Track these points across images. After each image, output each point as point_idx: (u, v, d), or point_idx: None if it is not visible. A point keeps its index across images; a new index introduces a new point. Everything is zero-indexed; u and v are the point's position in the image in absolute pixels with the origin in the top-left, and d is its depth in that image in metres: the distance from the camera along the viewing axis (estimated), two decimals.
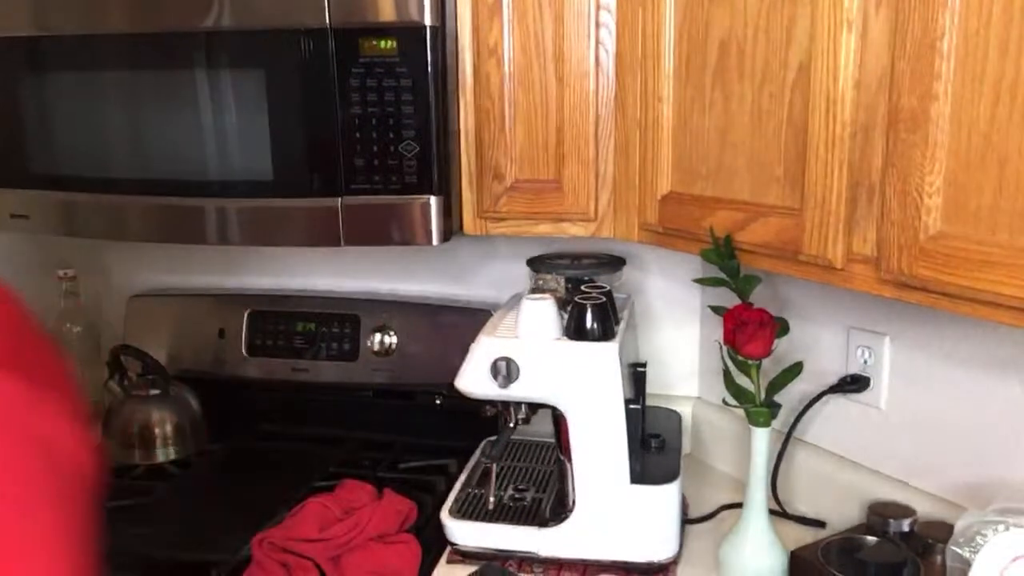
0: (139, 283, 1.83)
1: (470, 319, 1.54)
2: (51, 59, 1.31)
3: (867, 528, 1.18)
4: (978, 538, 0.94)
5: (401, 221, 1.24)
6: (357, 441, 1.61)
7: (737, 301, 1.11)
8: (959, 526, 0.97)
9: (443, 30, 1.20)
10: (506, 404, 1.23)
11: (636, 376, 1.29)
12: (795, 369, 1.13)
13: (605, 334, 1.18)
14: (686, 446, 1.56)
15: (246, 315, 1.68)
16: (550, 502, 1.30)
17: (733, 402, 1.14)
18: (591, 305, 1.18)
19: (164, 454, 1.54)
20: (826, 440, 1.36)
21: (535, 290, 1.32)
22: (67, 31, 1.28)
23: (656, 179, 1.18)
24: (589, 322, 1.17)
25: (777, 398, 1.13)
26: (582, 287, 1.26)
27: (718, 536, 1.24)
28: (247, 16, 1.21)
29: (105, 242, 1.79)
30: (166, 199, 1.31)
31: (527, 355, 1.16)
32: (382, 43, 1.18)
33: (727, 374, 1.13)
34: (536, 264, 1.33)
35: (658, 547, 1.19)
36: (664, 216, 1.18)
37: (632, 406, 1.20)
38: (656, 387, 1.58)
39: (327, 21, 1.19)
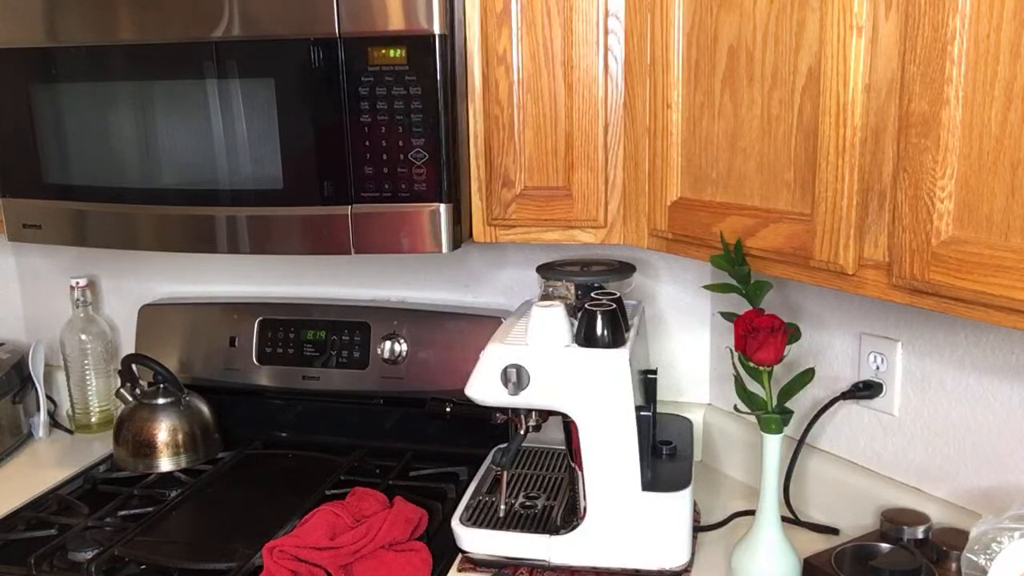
0: (150, 292, 1.84)
1: (480, 326, 1.54)
2: (63, 70, 1.32)
3: (881, 535, 1.17)
4: (994, 545, 0.93)
5: (411, 229, 1.24)
6: (367, 449, 1.61)
7: (748, 307, 1.11)
8: (974, 533, 0.96)
9: (452, 38, 1.21)
10: (516, 411, 1.23)
11: (647, 383, 1.29)
12: (807, 375, 1.13)
13: (615, 341, 1.17)
14: (697, 453, 1.56)
15: (257, 323, 1.69)
16: (561, 510, 1.29)
17: (745, 409, 1.14)
18: (601, 312, 1.18)
19: (175, 462, 1.54)
20: (839, 447, 1.35)
21: (545, 297, 1.32)
22: (79, 42, 1.29)
23: (666, 185, 1.18)
24: (599, 329, 1.17)
25: (789, 404, 1.13)
26: (592, 294, 1.26)
27: (730, 543, 1.23)
28: (256, 26, 1.22)
29: (117, 251, 1.80)
30: (177, 208, 1.32)
31: (537, 362, 1.16)
32: (391, 52, 1.19)
33: (738, 380, 1.13)
34: (546, 271, 1.33)
35: (670, 555, 1.19)
36: (674, 222, 1.18)
37: (643, 413, 1.20)
38: (667, 394, 1.58)
39: (336, 30, 1.19)
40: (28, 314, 1.94)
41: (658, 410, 1.30)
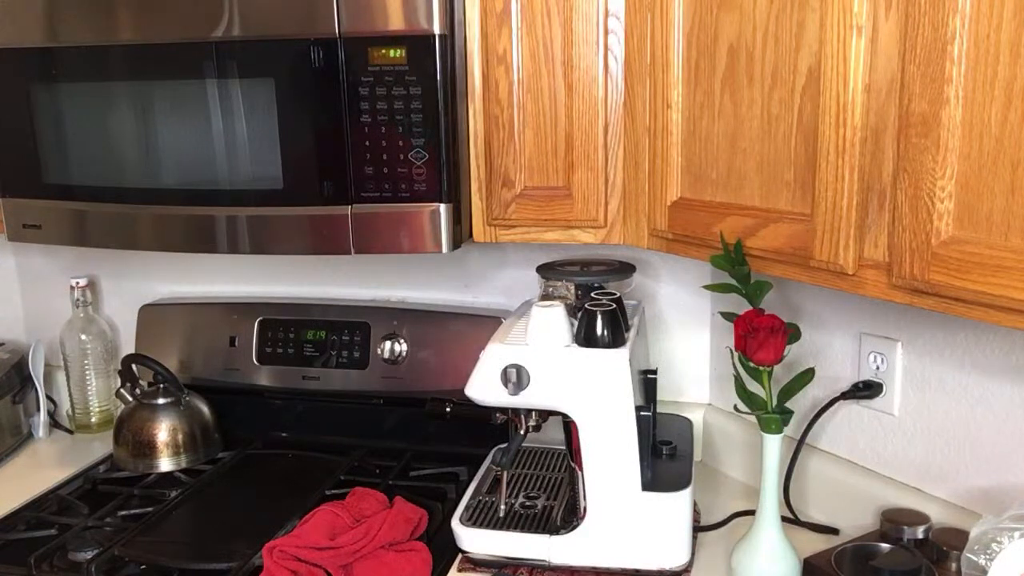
0: (150, 292, 1.84)
1: (480, 326, 1.54)
2: (64, 70, 1.32)
3: (881, 535, 1.17)
4: (993, 545, 0.93)
5: (411, 229, 1.24)
6: (367, 449, 1.61)
7: (748, 307, 1.11)
8: (974, 533, 0.96)
9: (452, 38, 1.21)
10: (516, 411, 1.23)
11: (647, 383, 1.29)
12: (807, 375, 1.13)
13: (615, 341, 1.17)
14: (697, 453, 1.56)
15: (257, 323, 1.69)
16: (561, 510, 1.29)
17: (744, 409, 1.14)
18: (601, 312, 1.18)
19: (175, 462, 1.54)
20: (839, 447, 1.35)
21: (545, 297, 1.32)
22: (79, 42, 1.29)
23: (666, 185, 1.18)
24: (599, 329, 1.17)
25: (789, 404, 1.13)
26: (592, 294, 1.26)
27: (730, 544, 1.23)
28: (257, 26, 1.22)
29: (117, 251, 1.80)
30: (177, 208, 1.32)
31: (537, 362, 1.16)
32: (391, 52, 1.19)
33: (738, 381, 1.13)
34: (546, 271, 1.33)
35: (670, 555, 1.19)
36: (674, 222, 1.18)
37: (643, 413, 1.19)
38: (667, 394, 1.58)
39: (337, 30, 1.19)
40: (28, 314, 1.94)
41: (658, 410, 1.30)
